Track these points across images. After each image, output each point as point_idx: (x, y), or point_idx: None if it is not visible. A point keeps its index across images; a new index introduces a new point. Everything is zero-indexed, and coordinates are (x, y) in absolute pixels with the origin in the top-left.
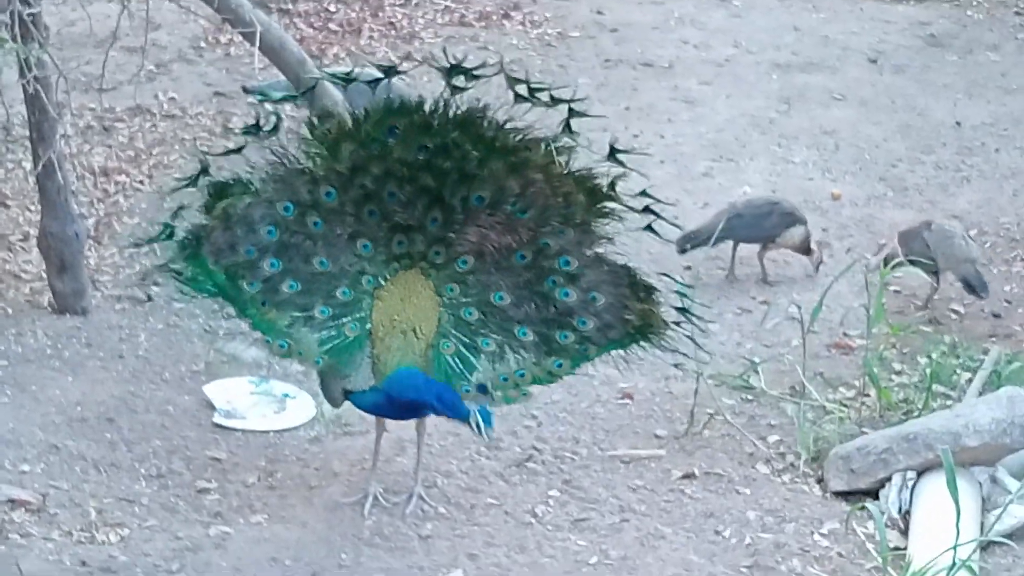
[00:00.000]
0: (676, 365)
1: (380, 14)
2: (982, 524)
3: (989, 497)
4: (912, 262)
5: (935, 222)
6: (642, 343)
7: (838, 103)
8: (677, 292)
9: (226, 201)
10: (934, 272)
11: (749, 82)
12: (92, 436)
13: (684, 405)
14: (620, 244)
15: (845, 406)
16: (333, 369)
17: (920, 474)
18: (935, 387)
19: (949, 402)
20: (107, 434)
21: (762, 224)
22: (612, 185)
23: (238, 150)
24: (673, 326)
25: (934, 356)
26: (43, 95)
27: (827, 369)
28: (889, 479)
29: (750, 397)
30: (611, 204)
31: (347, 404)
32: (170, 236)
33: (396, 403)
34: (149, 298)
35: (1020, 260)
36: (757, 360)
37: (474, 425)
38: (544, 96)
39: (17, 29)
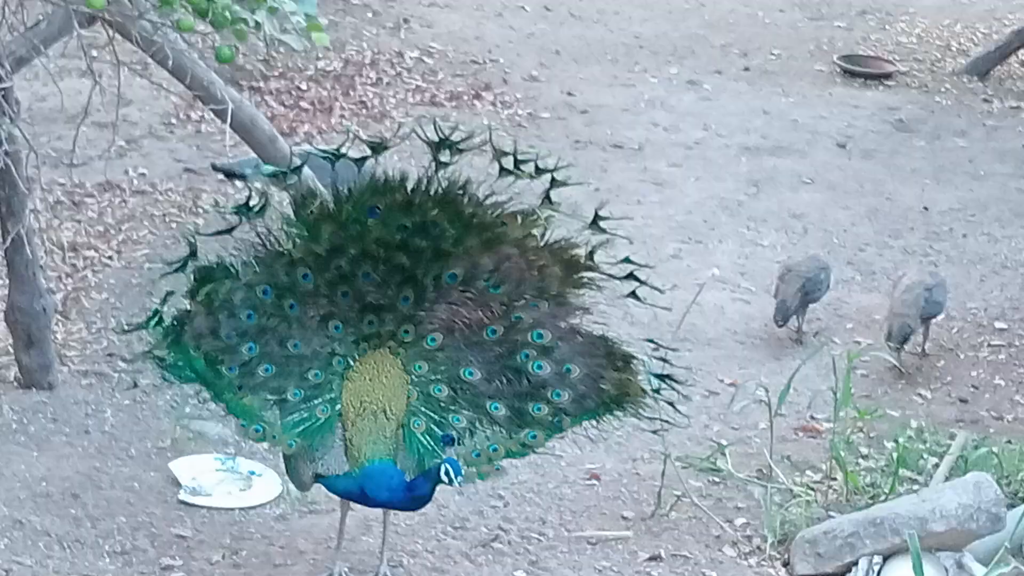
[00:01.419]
0: (655, 432)
1: (351, 93)
2: None
3: None
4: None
5: (903, 280)
6: (617, 412)
7: (807, 187)
8: (659, 358)
9: (210, 286)
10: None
11: (718, 165)
12: (56, 512)
13: (651, 486)
14: (607, 307)
15: (812, 489)
16: (304, 451)
17: (886, 559)
18: (902, 472)
19: (916, 487)
20: (72, 510)
21: (823, 281)
22: (591, 254)
23: (230, 230)
24: (652, 394)
25: (901, 440)
26: (13, 170)
27: (794, 452)
28: (855, 563)
29: (717, 479)
30: (589, 274)
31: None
32: (159, 322)
33: (368, 498)
34: (135, 384)
35: (987, 346)
36: (724, 442)
37: (444, 476)
38: (529, 167)
39: None
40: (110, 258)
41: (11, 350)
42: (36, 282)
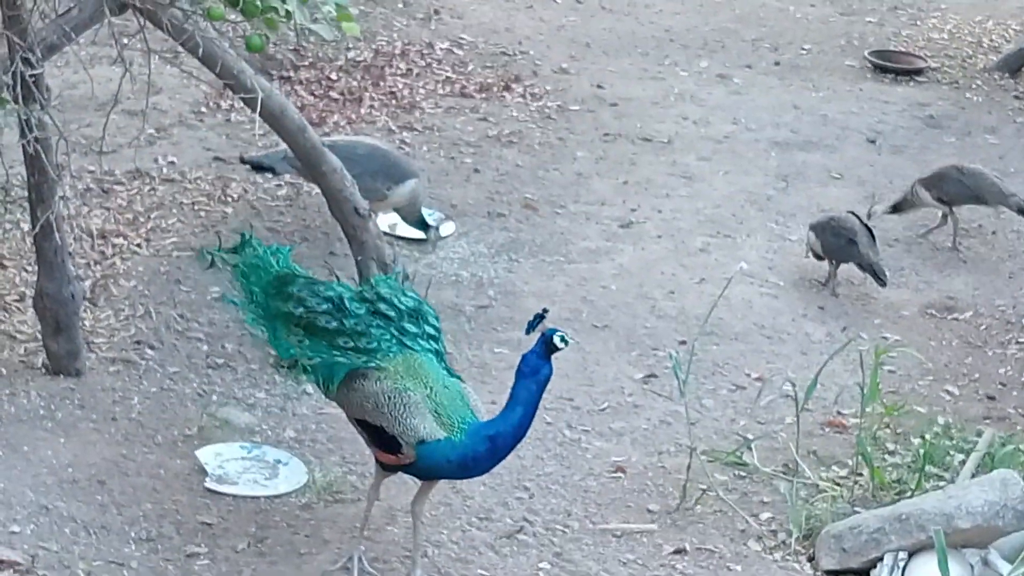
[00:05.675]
0: None
1: (381, 83)
2: None
3: None
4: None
5: (964, 165)
6: None
7: (836, 182)
8: None
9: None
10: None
11: (747, 159)
12: (83, 498)
13: (677, 480)
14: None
15: (838, 485)
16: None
17: (912, 555)
18: (928, 468)
19: (942, 483)
20: (98, 496)
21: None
22: None
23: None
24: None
25: (927, 437)
26: (43, 156)
27: (820, 447)
28: (881, 559)
29: (743, 474)
30: None
31: (336, 473)
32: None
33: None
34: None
35: (1015, 343)
36: (750, 437)
37: (559, 343)
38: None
39: (19, 90)
40: (139, 246)
41: (39, 336)
42: (65, 269)
